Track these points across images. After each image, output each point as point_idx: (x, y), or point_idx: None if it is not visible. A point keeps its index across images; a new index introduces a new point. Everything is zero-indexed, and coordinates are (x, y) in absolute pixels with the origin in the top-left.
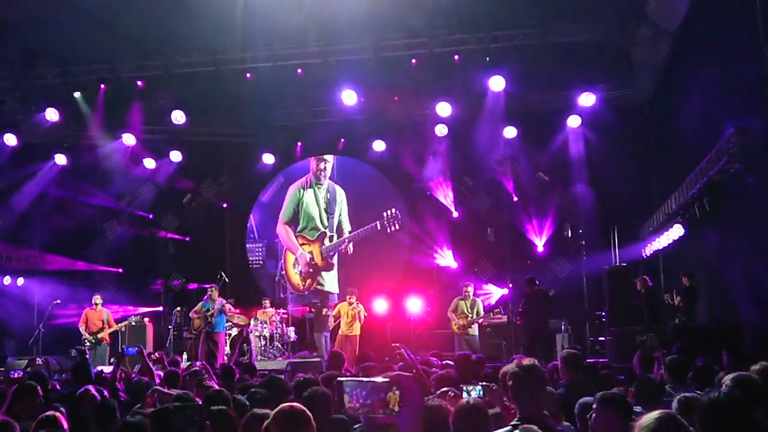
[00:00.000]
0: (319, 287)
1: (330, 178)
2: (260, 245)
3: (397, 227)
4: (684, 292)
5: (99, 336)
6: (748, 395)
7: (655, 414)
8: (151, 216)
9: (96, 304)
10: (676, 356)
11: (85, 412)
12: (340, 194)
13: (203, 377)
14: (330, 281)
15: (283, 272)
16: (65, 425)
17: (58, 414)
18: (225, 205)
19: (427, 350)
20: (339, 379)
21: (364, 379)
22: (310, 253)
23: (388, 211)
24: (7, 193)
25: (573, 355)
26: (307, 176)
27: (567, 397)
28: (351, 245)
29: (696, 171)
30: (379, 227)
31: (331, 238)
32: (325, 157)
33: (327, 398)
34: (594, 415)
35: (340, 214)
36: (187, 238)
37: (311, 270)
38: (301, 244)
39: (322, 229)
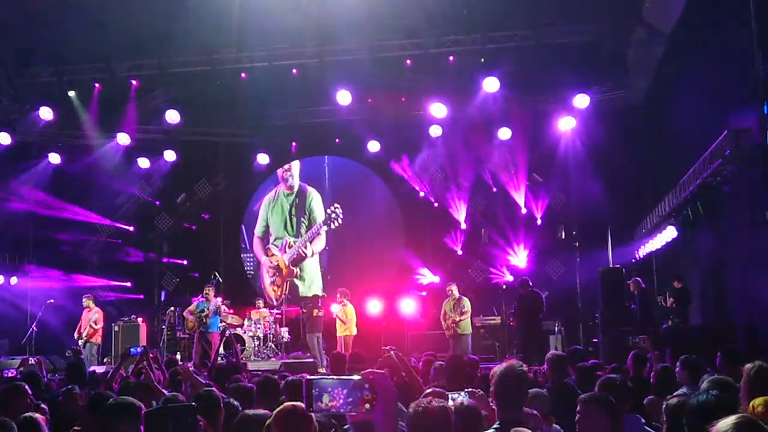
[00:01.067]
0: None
1: (301, 180)
2: (252, 254)
3: (339, 223)
4: (676, 294)
5: (84, 337)
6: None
7: (732, 419)
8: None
9: (86, 306)
10: (691, 356)
11: (72, 411)
12: (311, 194)
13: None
14: (305, 286)
15: (263, 287)
16: (45, 428)
17: (37, 416)
18: (219, 204)
19: (421, 352)
20: (309, 378)
21: (344, 377)
22: (276, 263)
23: (330, 208)
24: (0, 191)
25: (558, 357)
26: (276, 188)
27: (552, 399)
28: (311, 249)
29: (690, 173)
30: (323, 226)
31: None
32: (290, 166)
33: None
34: (579, 415)
35: (312, 214)
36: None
37: (278, 279)
38: (271, 256)
39: (287, 238)
